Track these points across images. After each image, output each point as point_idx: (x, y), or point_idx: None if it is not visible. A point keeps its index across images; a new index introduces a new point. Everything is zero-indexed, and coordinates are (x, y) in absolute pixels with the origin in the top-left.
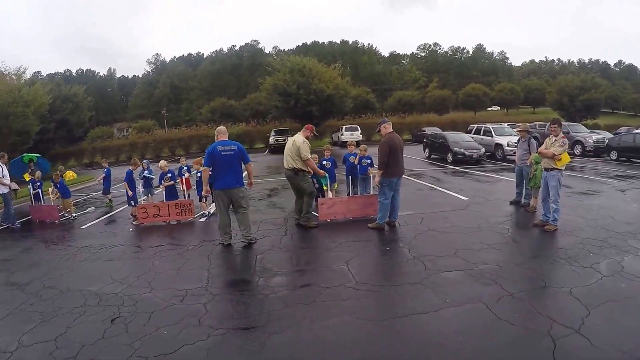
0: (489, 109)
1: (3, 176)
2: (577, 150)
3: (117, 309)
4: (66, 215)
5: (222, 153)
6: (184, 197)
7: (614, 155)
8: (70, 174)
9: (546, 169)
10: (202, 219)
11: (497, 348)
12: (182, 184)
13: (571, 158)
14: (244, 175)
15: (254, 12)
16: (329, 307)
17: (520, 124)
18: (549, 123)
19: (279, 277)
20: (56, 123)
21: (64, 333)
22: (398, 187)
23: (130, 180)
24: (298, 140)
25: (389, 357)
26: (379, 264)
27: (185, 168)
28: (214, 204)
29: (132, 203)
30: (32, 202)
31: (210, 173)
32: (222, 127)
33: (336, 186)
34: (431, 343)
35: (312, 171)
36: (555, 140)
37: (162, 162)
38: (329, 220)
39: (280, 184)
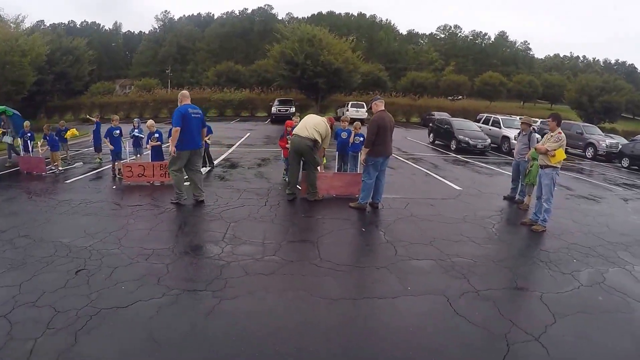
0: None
1: None
2: (589, 152)
3: (83, 262)
4: (53, 168)
5: (193, 115)
6: None
7: (625, 162)
8: (72, 131)
9: (541, 166)
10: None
11: (445, 344)
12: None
13: (580, 160)
14: None
15: None
16: (287, 280)
17: (524, 116)
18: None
19: (246, 246)
20: (55, 75)
21: (29, 280)
22: (384, 168)
23: (109, 136)
24: (327, 126)
25: (328, 337)
26: (349, 244)
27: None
28: None
29: (115, 157)
30: (20, 153)
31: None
32: (186, 92)
33: (325, 161)
34: (376, 330)
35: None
36: (552, 135)
37: (150, 122)
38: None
39: (273, 155)
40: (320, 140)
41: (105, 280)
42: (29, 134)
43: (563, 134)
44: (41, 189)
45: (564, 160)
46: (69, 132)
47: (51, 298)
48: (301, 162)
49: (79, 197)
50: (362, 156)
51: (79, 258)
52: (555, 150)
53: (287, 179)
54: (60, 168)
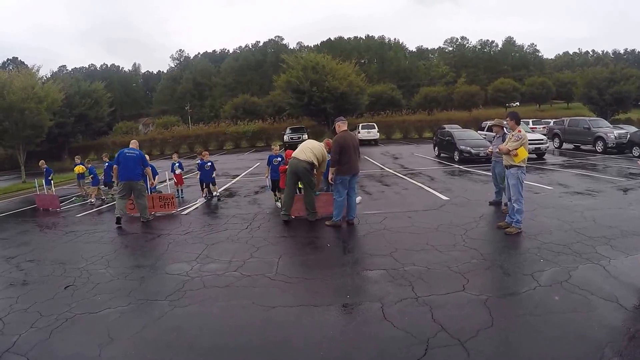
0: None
1: None
2: (599, 146)
3: (73, 279)
4: (93, 200)
5: (127, 154)
6: (177, 193)
7: (636, 151)
8: (79, 168)
9: (506, 167)
10: (186, 212)
11: (358, 347)
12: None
13: (591, 155)
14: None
15: (279, 8)
16: (237, 292)
17: (496, 119)
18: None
19: (214, 264)
20: (75, 117)
21: (26, 293)
22: (353, 185)
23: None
24: (323, 150)
25: (249, 339)
26: (309, 259)
27: (177, 164)
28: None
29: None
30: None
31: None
32: (134, 141)
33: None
34: (299, 333)
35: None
36: (512, 135)
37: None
38: (293, 217)
39: None
40: (317, 163)
41: (87, 293)
42: (45, 170)
43: (523, 132)
44: (53, 222)
45: (526, 158)
46: (76, 168)
47: (40, 306)
48: (298, 185)
49: (84, 228)
50: (329, 175)
51: (71, 276)
52: (517, 149)
53: (279, 204)
54: (93, 200)
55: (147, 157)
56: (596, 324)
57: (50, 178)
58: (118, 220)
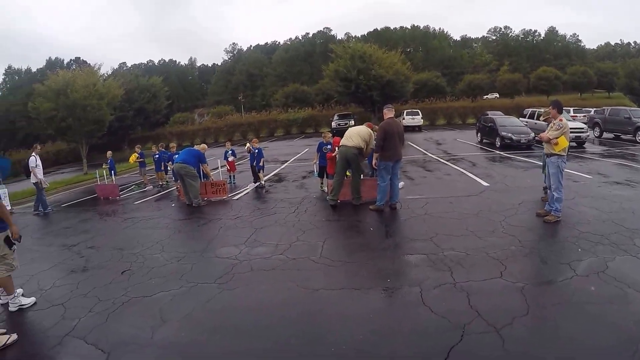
0: (486, 96)
1: (37, 166)
2: (639, 137)
3: (129, 264)
4: (162, 183)
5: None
6: (230, 179)
7: None
8: (133, 157)
9: (547, 155)
10: (237, 197)
11: (396, 330)
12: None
13: (632, 145)
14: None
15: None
16: (282, 275)
17: (544, 110)
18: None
19: (262, 247)
20: (134, 111)
21: (86, 279)
22: (396, 170)
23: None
24: (368, 131)
25: (292, 319)
26: (352, 242)
27: (230, 152)
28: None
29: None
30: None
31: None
32: (203, 145)
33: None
34: (340, 316)
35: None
36: (554, 123)
37: (203, 146)
38: (339, 201)
39: None
40: (364, 146)
41: (142, 277)
42: (110, 162)
43: (565, 121)
44: (112, 210)
45: (566, 147)
46: (131, 157)
47: (98, 291)
48: (347, 171)
49: (142, 215)
50: (373, 160)
51: (128, 262)
52: (557, 138)
53: (326, 189)
54: (162, 183)
55: (205, 157)
56: (631, 317)
57: (111, 167)
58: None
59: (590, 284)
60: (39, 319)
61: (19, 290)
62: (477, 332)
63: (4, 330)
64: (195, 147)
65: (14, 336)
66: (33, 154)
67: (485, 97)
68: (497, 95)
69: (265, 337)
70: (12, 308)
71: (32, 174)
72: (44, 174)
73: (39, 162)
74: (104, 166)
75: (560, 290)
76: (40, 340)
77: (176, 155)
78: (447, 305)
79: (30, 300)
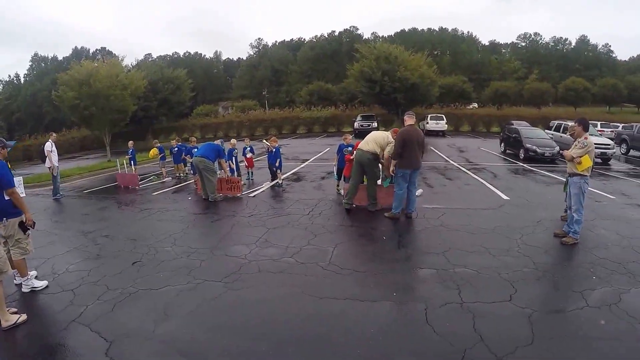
0: (469, 106)
1: (52, 151)
2: None
3: (141, 256)
4: (180, 175)
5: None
6: (248, 175)
7: None
8: (153, 151)
9: (569, 175)
10: (253, 194)
11: (395, 349)
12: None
13: None
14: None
15: None
16: (289, 279)
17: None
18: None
19: (272, 249)
20: (158, 101)
21: (98, 267)
22: (414, 179)
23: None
24: (390, 138)
25: (294, 327)
26: (363, 250)
27: (249, 148)
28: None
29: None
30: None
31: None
32: (232, 140)
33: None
34: (342, 327)
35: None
36: (578, 141)
37: (233, 141)
38: (354, 205)
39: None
40: (380, 153)
41: (151, 270)
42: (131, 152)
43: (590, 140)
44: (131, 199)
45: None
46: (151, 152)
47: (108, 280)
48: (363, 175)
49: (158, 206)
50: (391, 167)
51: (139, 253)
52: (581, 156)
53: (342, 192)
54: (181, 175)
55: (224, 152)
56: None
57: (132, 157)
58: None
59: (600, 316)
60: (49, 302)
61: (33, 273)
62: (477, 357)
63: (15, 310)
64: (224, 143)
65: (24, 316)
66: (50, 139)
67: (470, 107)
68: (476, 105)
69: (264, 341)
70: (25, 289)
71: (47, 158)
72: (64, 159)
73: (54, 148)
74: (125, 157)
75: (568, 321)
76: (48, 323)
77: (195, 149)
78: (450, 327)
79: (43, 283)
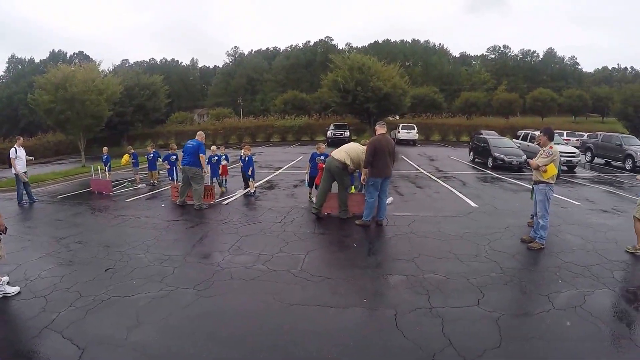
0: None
1: (17, 158)
2: (628, 164)
3: (114, 262)
4: (154, 182)
5: (187, 145)
6: (222, 183)
7: None
8: (125, 158)
9: (535, 182)
10: (226, 202)
11: (366, 355)
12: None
13: (620, 172)
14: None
15: (330, 9)
16: (261, 286)
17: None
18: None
19: (245, 256)
20: (134, 107)
21: (70, 273)
22: (385, 188)
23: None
24: (359, 150)
25: (264, 332)
26: (334, 257)
27: (224, 156)
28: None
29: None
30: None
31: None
32: (200, 132)
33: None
34: (313, 333)
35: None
36: (543, 150)
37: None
38: (326, 214)
39: None
40: (350, 164)
41: (124, 277)
42: (106, 157)
43: (555, 149)
44: (104, 205)
45: (554, 174)
46: (123, 158)
47: (80, 287)
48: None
49: (132, 213)
50: (362, 176)
51: (112, 259)
52: (546, 165)
53: (313, 199)
54: (155, 181)
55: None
56: (603, 357)
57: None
58: (182, 205)
59: (566, 318)
60: (21, 309)
61: (5, 279)
62: None
63: None
64: (196, 137)
65: None
66: (15, 145)
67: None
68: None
69: (237, 348)
70: None
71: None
72: (39, 164)
73: (21, 153)
74: (100, 163)
75: (535, 324)
76: (20, 330)
77: (174, 157)
78: (420, 331)
79: (15, 289)
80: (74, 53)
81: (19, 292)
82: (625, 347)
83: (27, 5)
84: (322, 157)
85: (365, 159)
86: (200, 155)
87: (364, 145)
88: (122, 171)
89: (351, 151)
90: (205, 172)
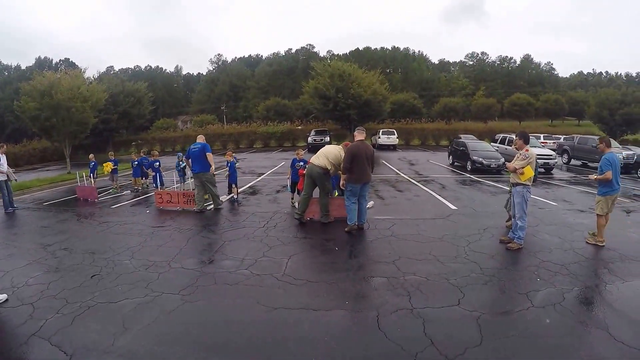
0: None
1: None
2: None
3: (100, 269)
4: (138, 188)
5: (192, 150)
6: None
7: None
8: (107, 166)
9: (512, 184)
10: (210, 207)
11: (348, 357)
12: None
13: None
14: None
15: (312, 17)
16: (244, 290)
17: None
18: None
19: (228, 261)
20: (119, 114)
21: (57, 280)
22: (364, 192)
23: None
24: (338, 153)
25: (247, 337)
26: (317, 261)
27: None
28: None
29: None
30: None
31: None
32: (200, 135)
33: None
34: (296, 337)
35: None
36: (520, 153)
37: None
38: (308, 219)
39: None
40: (331, 168)
41: (109, 283)
42: (93, 164)
43: (531, 152)
44: (90, 212)
45: (531, 177)
46: (105, 166)
47: (67, 293)
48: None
49: (117, 219)
50: (341, 181)
51: (98, 266)
52: (523, 167)
53: (296, 204)
54: (139, 188)
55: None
56: (584, 354)
57: (94, 170)
58: (201, 211)
59: (546, 315)
60: (9, 316)
61: None
62: None
63: None
64: (197, 140)
65: None
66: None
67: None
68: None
69: (221, 352)
70: None
71: None
72: (24, 170)
73: (3, 161)
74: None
75: (515, 322)
76: (7, 337)
77: (157, 163)
78: (402, 332)
79: (2, 297)
80: (60, 60)
81: (6, 300)
82: (604, 342)
83: (14, 11)
84: (302, 163)
85: (343, 165)
86: (207, 154)
87: (339, 145)
88: (107, 178)
89: (330, 155)
90: (213, 169)
